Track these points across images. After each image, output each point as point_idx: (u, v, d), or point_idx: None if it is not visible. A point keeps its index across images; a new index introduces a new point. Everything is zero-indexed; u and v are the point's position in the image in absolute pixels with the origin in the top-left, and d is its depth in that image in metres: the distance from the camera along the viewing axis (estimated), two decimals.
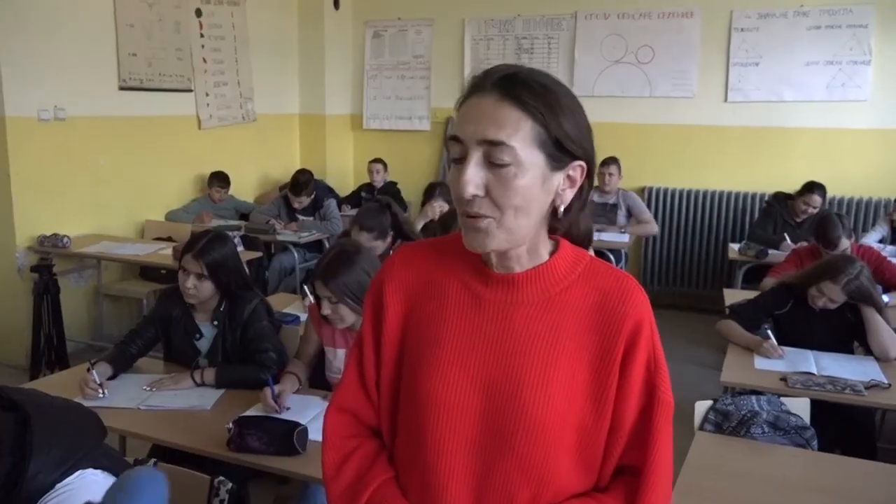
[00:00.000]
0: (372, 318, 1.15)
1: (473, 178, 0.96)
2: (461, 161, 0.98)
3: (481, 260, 1.07)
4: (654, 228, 5.44)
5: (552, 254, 1.08)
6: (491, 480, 1.04)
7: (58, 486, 1.40)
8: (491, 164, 0.96)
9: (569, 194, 1.02)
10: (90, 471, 1.44)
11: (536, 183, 0.98)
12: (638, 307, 1.05)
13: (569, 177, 1.02)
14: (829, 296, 2.89)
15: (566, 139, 0.98)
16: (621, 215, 5.38)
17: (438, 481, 1.06)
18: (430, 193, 4.76)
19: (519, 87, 0.97)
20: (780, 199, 5.01)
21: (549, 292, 1.06)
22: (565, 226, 1.08)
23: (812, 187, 4.80)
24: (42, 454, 1.38)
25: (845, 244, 3.72)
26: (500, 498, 1.04)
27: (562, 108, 0.99)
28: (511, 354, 1.04)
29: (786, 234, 4.76)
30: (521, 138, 0.96)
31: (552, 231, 1.08)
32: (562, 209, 1.03)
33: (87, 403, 1.93)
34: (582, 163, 1.02)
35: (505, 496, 1.04)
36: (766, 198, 5.25)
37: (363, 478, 1.12)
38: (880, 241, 4.73)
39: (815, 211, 4.79)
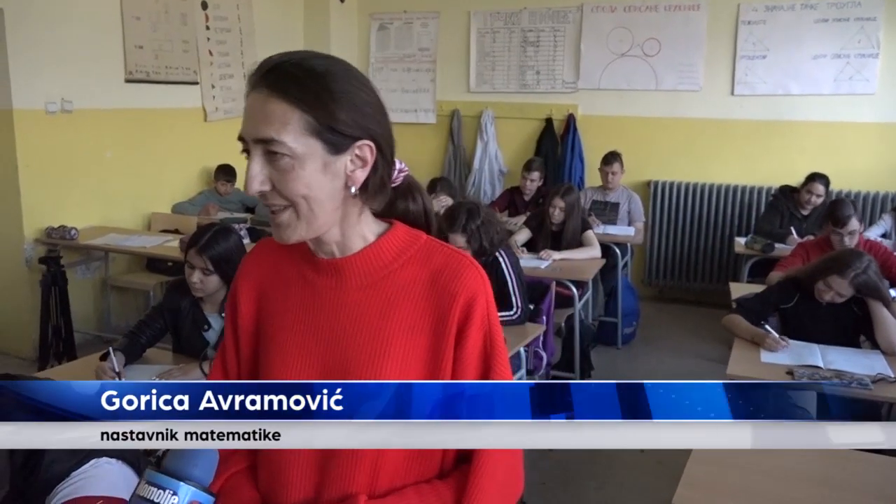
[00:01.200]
0: (230, 313, 1.17)
1: (257, 175, 0.98)
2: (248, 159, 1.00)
3: (309, 248, 1.09)
4: (639, 239, 5.37)
5: (380, 236, 1.08)
6: (329, 467, 1.05)
7: (73, 474, 1.41)
8: (271, 158, 0.97)
9: (360, 174, 1.02)
10: (104, 459, 1.46)
11: (317, 170, 0.98)
12: (470, 283, 1.05)
13: (357, 157, 1.01)
14: (837, 290, 2.89)
15: (339, 124, 0.98)
16: (623, 214, 5.33)
17: (281, 469, 1.07)
18: (431, 188, 4.77)
19: (283, 78, 0.97)
20: (787, 192, 5.00)
21: (377, 274, 1.06)
22: (378, 205, 1.08)
23: (814, 177, 4.81)
24: None
25: (855, 224, 3.72)
26: (338, 486, 1.04)
27: (332, 93, 0.98)
28: (342, 340, 1.05)
29: (792, 228, 4.76)
30: (291, 130, 0.96)
31: (388, 215, 1.10)
32: (354, 189, 1.02)
33: None
34: (368, 142, 1.01)
35: (342, 484, 1.04)
36: (773, 191, 5.24)
37: (219, 467, 1.09)
38: (883, 236, 4.72)
39: (820, 201, 4.80)
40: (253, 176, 0.98)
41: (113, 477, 1.45)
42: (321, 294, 1.08)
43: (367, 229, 1.08)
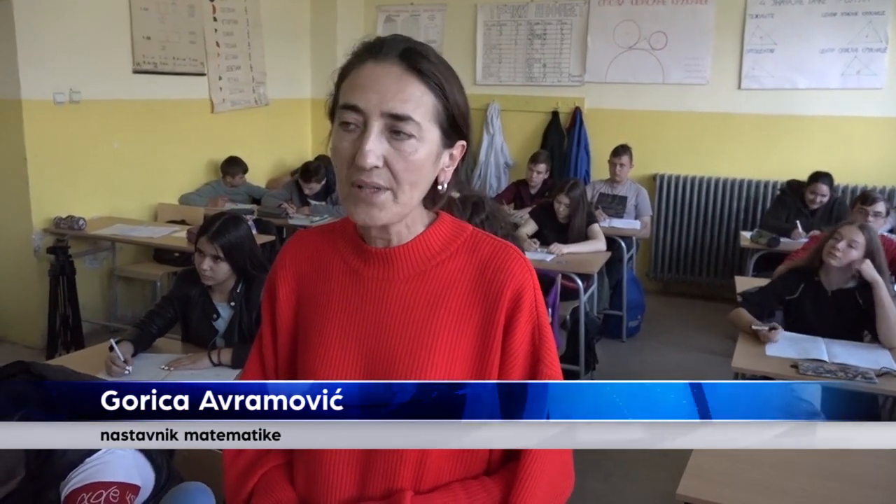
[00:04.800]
0: (268, 304, 1.15)
1: (375, 148, 0.94)
2: (356, 129, 0.95)
3: (360, 237, 1.07)
4: (646, 233, 5.37)
5: (428, 227, 1.07)
6: (374, 462, 1.02)
7: (87, 460, 1.43)
8: (392, 136, 0.94)
9: (450, 172, 1.03)
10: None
11: (431, 158, 0.98)
12: (518, 275, 1.03)
13: (454, 154, 1.02)
14: (849, 237, 2.88)
15: (459, 115, 0.99)
16: (630, 207, 5.33)
17: (322, 465, 1.04)
18: None
19: (421, 59, 0.96)
20: (794, 187, 4.99)
21: (425, 265, 1.04)
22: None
23: (817, 177, 4.79)
24: None
25: (882, 208, 3.86)
26: (383, 481, 1.02)
27: (456, 86, 0.98)
28: (387, 332, 1.03)
29: (798, 223, 4.76)
30: (423, 113, 0.95)
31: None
32: (443, 186, 1.03)
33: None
34: (464, 143, 1.02)
35: (387, 479, 1.02)
36: (780, 186, 5.24)
37: (255, 464, 1.11)
38: (890, 231, 4.70)
39: (825, 199, 4.80)
40: (371, 149, 0.93)
41: (126, 463, 1.47)
42: (367, 284, 1.06)
43: (418, 220, 1.06)
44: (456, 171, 1.04)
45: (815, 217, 4.82)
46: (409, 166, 0.96)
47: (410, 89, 0.95)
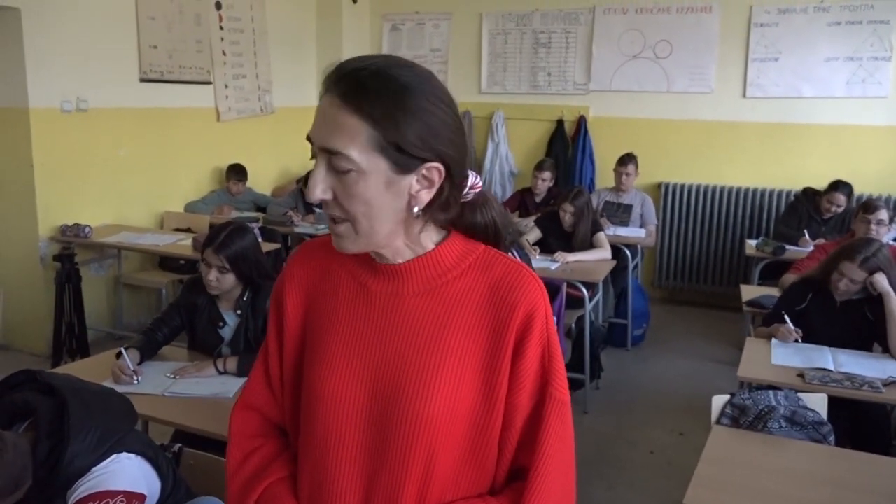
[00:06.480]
0: (275, 315, 1.14)
1: (319, 182, 0.96)
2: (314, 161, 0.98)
3: (367, 253, 1.06)
4: (651, 242, 5.37)
5: (439, 244, 1.05)
6: (378, 477, 1.02)
7: (94, 469, 1.43)
8: (335, 169, 0.95)
9: (424, 195, 0.98)
10: (125, 454, 1.48)
11: (380, 188, 0.95)
12: (530, 296, 1.02)
13: (424, 177, 0.97)
14: (849, 276, 2.89)
15: (407, 144, 0.94)
16: (635, 216, 5.32)
17: (327, 478, 1.04)
18: None
19: (358, 89, 0.93)
20: (809, 194, 4.97)
21: (435, 282, 1.03)
22: (454, 218, 1.05)
23: (837, 186, 4.76)
24: (79, 438, 1.42)
25: (884, 215, 3.82)
26: (388, 498, 1.01)
27: (406, 111, 0.93)
28: (395, 347, 1.02)
29: (804, 231, 4.74)
30: (359, 145, 0.92)
31: (455, 225, 1.06)
32: (416, 210, 0.98)
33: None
34: (437, 164, 0.97)
35: (392, 496, 1.01)
36: (795, 193, 5.21)
37: (258, 476, 1.11)
38: (894, 241, 4.68)
39: (841, 210, 4.75)
40: (315, 183, 0.96)
41: (133, 472, 1.47)
42: (375, 299, 1.05)
43: (426, 238, 1.04)
44: (440, 191, 0.99)
45: (826, 226, 4.78)
46: (353, 200, 0.95)
47: (342, 123, 0.93)
